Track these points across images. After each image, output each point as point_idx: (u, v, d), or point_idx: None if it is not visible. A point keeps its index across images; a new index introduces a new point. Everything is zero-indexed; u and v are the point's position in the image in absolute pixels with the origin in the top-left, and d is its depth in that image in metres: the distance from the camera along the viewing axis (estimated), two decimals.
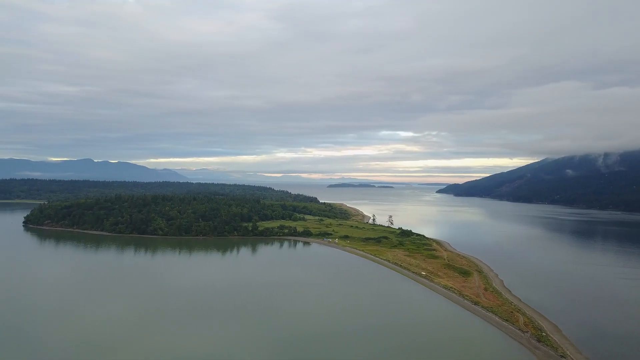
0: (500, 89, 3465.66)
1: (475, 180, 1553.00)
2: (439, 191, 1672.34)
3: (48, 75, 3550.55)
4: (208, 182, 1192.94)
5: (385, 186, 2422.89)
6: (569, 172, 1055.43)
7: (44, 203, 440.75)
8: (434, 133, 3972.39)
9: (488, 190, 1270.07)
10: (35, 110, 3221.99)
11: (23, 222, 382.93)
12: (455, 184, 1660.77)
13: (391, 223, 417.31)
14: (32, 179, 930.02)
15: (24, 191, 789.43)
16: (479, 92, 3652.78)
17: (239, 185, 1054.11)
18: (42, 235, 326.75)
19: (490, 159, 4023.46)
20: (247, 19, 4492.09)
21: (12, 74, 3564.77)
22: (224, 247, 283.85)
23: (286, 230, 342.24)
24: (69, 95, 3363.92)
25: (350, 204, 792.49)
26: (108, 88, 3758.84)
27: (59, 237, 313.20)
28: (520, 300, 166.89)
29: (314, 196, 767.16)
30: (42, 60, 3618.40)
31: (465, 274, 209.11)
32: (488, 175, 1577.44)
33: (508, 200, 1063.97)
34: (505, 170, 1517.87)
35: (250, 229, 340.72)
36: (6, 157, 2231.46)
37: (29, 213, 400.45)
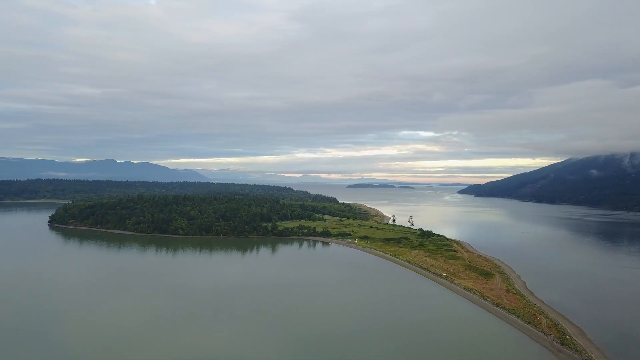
0: (522, 88, 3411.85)
1: (497, 181, 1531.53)
2: (460, 192, 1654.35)
3: (73, 77, 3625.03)
4: (228, 182, 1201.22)
5: (405, 186, 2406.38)
6: (594, 172, 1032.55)
7: (69, 203, 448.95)
8: (455, 133, 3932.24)
9: (510, 190, 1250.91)
10: (60, 112, 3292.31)
11: (48, 221, 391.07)
12: (476, 185, 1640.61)
13: (411, 224, 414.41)
14: (57, 179, 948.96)
15: (49, 191, 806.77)
16: (501, 92, 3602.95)
17: (258, 185, 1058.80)
18: (67, 234, 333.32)
19: (512, 159, 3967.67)
20: (267, 20, 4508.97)
21: (38, 76, 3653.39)
22: (244, 247, 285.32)
23: (305, 231, 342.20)
24: (92, 97, 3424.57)
25: (370, 204, 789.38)
26: (130, 89, 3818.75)
27: (82, 236, 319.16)
28: (543, 302, 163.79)
29: (333, 196, 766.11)
30: (67, 63, 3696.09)
31: (486, 275, 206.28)
32: (510, 175, 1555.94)
33: (530, 201, 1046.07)
34: (527, 171, 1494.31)
35: (269, 228, 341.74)
36: (32, 158, 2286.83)
37: (53, 212, 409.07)
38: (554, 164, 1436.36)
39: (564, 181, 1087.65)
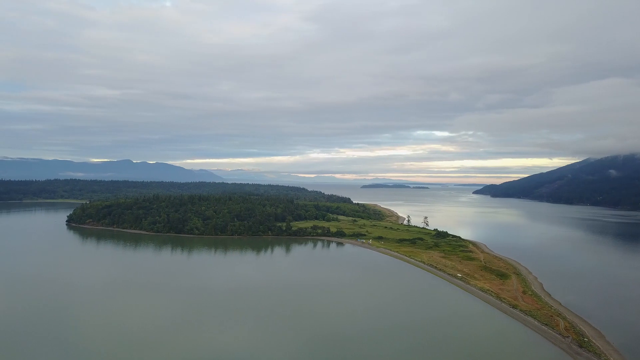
0: (541, 87, 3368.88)
1: (513, 181, 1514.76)
2: (476, 192, 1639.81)
3: (92, 79, 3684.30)
4: (243, 182, 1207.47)
5: (420, 187, 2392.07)
6: (613, 172, 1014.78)
7: (86, 203, 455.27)
8: (470, 133, 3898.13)
9: (526, 191, 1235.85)
10: (78, 113, 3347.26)
11: (66, 221, 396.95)
12: (492, 185, 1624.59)
13: (426, 224, 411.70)
14: (75, 180, 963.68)
15: (67, 191, 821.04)
16: (519, 91, 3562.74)
17: (273, 185, 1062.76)
18: (84, 233, 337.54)
19: (529, 159, 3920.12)
20: (283, 21, 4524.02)
21: (59, 78, 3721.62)
22: (258, 247, 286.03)
23: (319, 231, 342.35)
24: (111, 99, 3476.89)
25: (384, 204, 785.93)
26: (148, 91, 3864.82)
27: (99, 236, 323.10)
28: (560, 304, 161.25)
29: (347, 197, 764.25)
30: (87, 65, 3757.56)
31: (502, 276, 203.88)
32: (526, 176, 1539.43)
33: (547, 201, 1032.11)
34: (544, 171, 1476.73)
35: (284, 228, 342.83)
36: (50, 159, 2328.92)
37: (71, 212, 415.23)
38: (572, 164, 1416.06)
39: (582, 181, 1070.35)
